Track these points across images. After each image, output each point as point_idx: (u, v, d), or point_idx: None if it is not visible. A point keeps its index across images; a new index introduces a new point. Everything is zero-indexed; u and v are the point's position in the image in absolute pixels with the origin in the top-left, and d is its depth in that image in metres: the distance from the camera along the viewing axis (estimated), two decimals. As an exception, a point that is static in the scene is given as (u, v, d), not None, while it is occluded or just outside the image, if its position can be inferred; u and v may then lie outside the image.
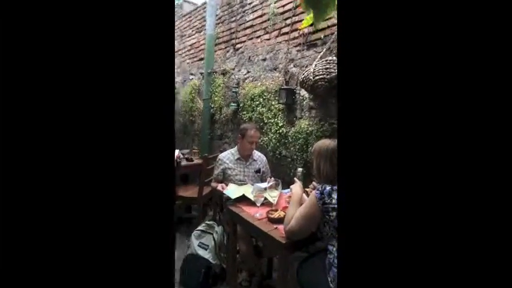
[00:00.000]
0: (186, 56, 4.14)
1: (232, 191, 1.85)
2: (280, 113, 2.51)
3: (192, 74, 3.97)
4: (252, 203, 1.68)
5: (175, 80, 4.25)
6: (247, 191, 1.81)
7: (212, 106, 3.32)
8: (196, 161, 3.10)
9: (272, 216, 1.47)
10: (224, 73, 3.21)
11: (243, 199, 1.75)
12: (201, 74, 3.62)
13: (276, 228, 1.40)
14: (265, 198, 1.64)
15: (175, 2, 3.84)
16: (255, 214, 1.56)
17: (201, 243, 2.03)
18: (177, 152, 3.11)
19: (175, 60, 4.34)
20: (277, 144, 2.51)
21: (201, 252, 1.98)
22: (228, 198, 1.83)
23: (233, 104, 2.95)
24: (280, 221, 1.42)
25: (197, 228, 2.09)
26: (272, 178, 1.92)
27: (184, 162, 2.97)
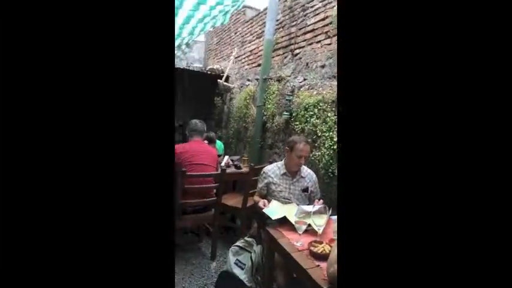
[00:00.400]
0: (245, 61, 4.13)
1: (274, 210, 1.67)
2: (336, 126, 2.25)
3: (248, 80, 3.93)
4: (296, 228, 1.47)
5: (233, 85, 4.27)
6: (290, 212, 1.61)
7: (265, 114, 3.20)
8: (245, 169, 3.00)
9: (315, 249, 1.24)
10: (279, 80, 3.07)
11: (285, 220, 1.56)
12: (257, 80, 3.54)
13: (319, 266, 1.17)
14: (309, 225, 1.42)
15: (238, 8, 3.86)
16: (296, 243, 1.35)
17: (238, 260, 1.90)
18: (226, 158, 3.07)
19: (235, 65, 4.37)
20: (331, 161, 2.25)
21: (237, 271, 1.84)
22: (269, 217, 1.66)
23: (286, 113, 2.78)
24: (324, 257, 1.18)
25: (235, 244, 1.97)
26: (321, 201, 1.69)
27: (231, 170, 2.91)
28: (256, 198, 1.95)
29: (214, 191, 2.31)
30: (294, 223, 1.49)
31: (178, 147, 2.23)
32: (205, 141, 3.04)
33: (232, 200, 2.68)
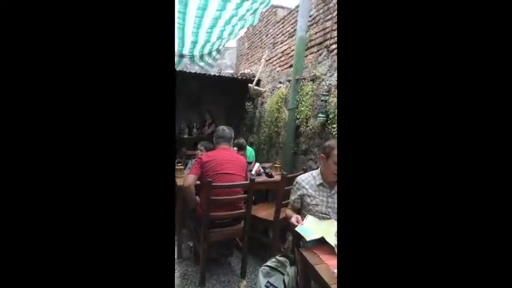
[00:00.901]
0: (276, 63, 3.94)
1: (309, 228, 1.42)
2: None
3: (280, 83, 3.72)
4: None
5: (264, 88, 4.09)
6: (329, 230, 1.35)
7: (298, 117, 2.96)
8: (277, 177, 2.78)
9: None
10: (313, 79, 2.81)
11: (323, 241, 1.31)
12: (289, 81, 3.31)
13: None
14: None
15: (267, 7, 3.70)
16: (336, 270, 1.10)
17: (270, 283, 1.67)
18: (257, 165, 2.88)
19: (266, 68, 4.20)
20: (376, 168, 1.93)
21: (268, 295, 1.62)
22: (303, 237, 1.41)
23: (321, 115, 2.51)
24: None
25: (266, 264, 1.75)
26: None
27: (262, 178, 2.70)
28: (288, 212, 1.72)
29: (244, 202, 2.12)
30: (333, 245, 1.24)
31: (205, 156, 2.09)
32: (235, 148, 2.89)
33: (264, 212, 2.47)
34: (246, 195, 2.08)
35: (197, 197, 2.14)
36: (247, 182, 2.06)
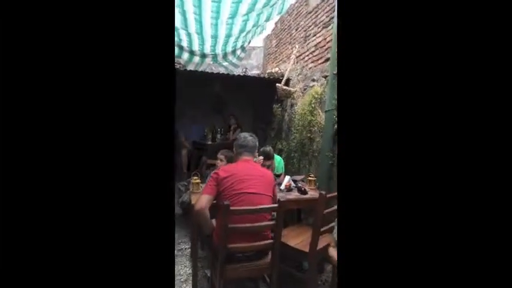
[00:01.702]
0: (309, 59, 3.45)
1: None
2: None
3: (313, 81, 3.22)
4: None
5: (295, 88, 3.61)
6: None
7: (336, 120, 2.44)
8: (312, 192, 2.28)
9: None
10: (357, 74, 2.28)
11: None
12: (325, 78, 2.81)
13: None
14: None
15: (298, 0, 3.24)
16: None
17: None
18: (287, 178, 2.41)
19: (297, 66, 3.72)
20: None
21: None
22: None
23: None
24: None
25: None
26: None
27: (293, 195, 2.22)
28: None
29: (271, 229, 1.66)
30: None
31: (222, 171, 1.66)
32: (261, 158, 2.44)
33: (297, 239, 1.98)
34: (273, 222, 1.62)
35: (213, 220, 1.72)
36: (275, 205, 1.60)
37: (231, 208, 1.48)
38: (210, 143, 4.35)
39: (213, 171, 1.81)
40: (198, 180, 2.26)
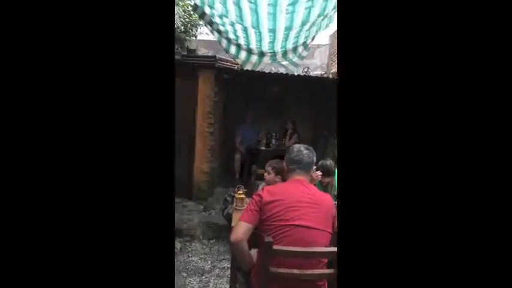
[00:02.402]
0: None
1: None
2: None
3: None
4: None
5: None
6: None
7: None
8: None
9: None
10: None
11: None
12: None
13: None
14: None
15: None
16: None
17: None
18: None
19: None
20: None
21: None
22: None
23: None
24: None
25: None
26: None
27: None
28: None
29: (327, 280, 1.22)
30: None
31: (267, 193, 1.29)
32: (319, 173, 1.99)
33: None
34: (331, 271, 1.18)
35: (255, 252, 1.36)
36: (334, 249, 1.16)
37: (275, 247, 1.10)
38: (263, 148, 4.03)
39: (256, 192, 1.45)
40: (243, 196, 1.94)
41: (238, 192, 1.94)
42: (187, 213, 3.28)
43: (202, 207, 3.51)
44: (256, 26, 2.42)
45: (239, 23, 2.46)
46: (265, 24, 2.42)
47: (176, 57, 3.41)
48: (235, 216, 1.71)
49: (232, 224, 1.60)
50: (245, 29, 2.63)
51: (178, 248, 2.68)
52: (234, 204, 1.93)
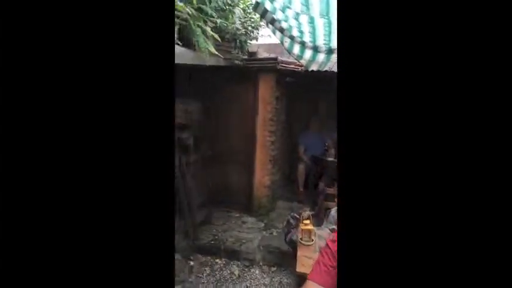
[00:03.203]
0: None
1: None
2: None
3: None
4: None
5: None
6: None
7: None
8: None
9: None
10: None
11: None
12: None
13: None
14: None
15: None
16: None
17: None
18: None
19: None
20: None
21: None
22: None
23: None
24: None
25: None
26: None
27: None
28: None
29: None
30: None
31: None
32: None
33: None
34: None
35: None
36: None
37: None
38: (330, 159, 3.50)
39: (329, 237, 1.03)
40: (310, 227, 1.53)
41: (304, 221, 1.53)
42: (247, 231, 3.00)
43: (263, 224, 3.18)
44: (326, 14, 1.99)
45: (305, 13, 2.07)
46: (335, 14, 1.98)
47: (236, 62, 3.19)
48: (301, 253, 1.32)
49: (298, 269, 1.20)
50: (311, 21, 2.23)
51: (236, 274, 2.39)
52: (300, 237, 1.53)
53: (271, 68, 3.24)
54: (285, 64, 3.29)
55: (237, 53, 3.26)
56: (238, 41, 3.28)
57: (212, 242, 2.76)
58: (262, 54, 3.56)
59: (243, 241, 2.77)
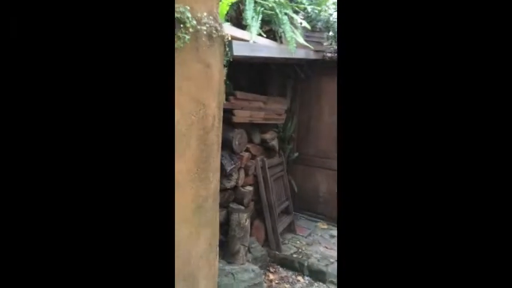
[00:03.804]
0: None
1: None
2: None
3: None
4: None
5: None
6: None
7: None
8: None
9: None
10: None
11: None
12: None
13: None
14: None
15: None
16: None
17: None
18: None
19: None
20: None
21: None
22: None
23: None
24: None
25: None
26: None
27: None
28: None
29: None
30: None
31: None
32: None
33: None
34: None
35: None
36: None
37: None
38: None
39: None
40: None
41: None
42: (335, 248, 2.57)
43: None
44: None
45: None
46: None
47: (329, 54, 2.81)
48: None
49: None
50: None
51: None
52: None
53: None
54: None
55: (330, 44, 2.87)
56: (331, 30, 2.90)
57: (295, 256, 2.47)
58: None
59: (331, 260, 2.37)
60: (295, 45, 2.14)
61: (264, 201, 2.52)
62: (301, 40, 2.23)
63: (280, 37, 2.24)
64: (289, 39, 2.13)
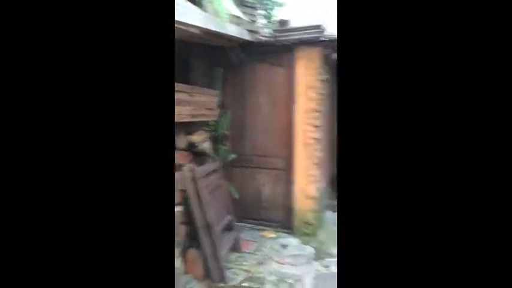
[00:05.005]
0: None
1: None
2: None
3: None
4: None
5: None
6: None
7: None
8: None
9: None
10: None
11: None
12: None
13: None
14: None
15: None
16: None
17: None
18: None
19: None
20: None
21: None
22: None
23: None
24: None
25: None
26: None
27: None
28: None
29: None
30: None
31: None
32: None
33: None
34: None
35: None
36: None
37: None
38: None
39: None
40: None
41: None
42: (291, 261, 2.18)
43: (311, 249, 2.36)
44: None
45: None
46: None
47: (264, 35, 2.35)
48: None
49: None
50: None
51: None
52: None
53: (313, 40, 2.35)
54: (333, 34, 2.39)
55: (268, 23, 2.42)
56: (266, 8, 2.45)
57: (245, 285, 1.97)
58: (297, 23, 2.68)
59: (289, 281, 1.96)
60: (227, 15, 1.60)
61: (198, 222, 1.94)
62: (235, 10, 1.71)
63: (205, 6, 1.67)
64: (217, 6, 1.57)
